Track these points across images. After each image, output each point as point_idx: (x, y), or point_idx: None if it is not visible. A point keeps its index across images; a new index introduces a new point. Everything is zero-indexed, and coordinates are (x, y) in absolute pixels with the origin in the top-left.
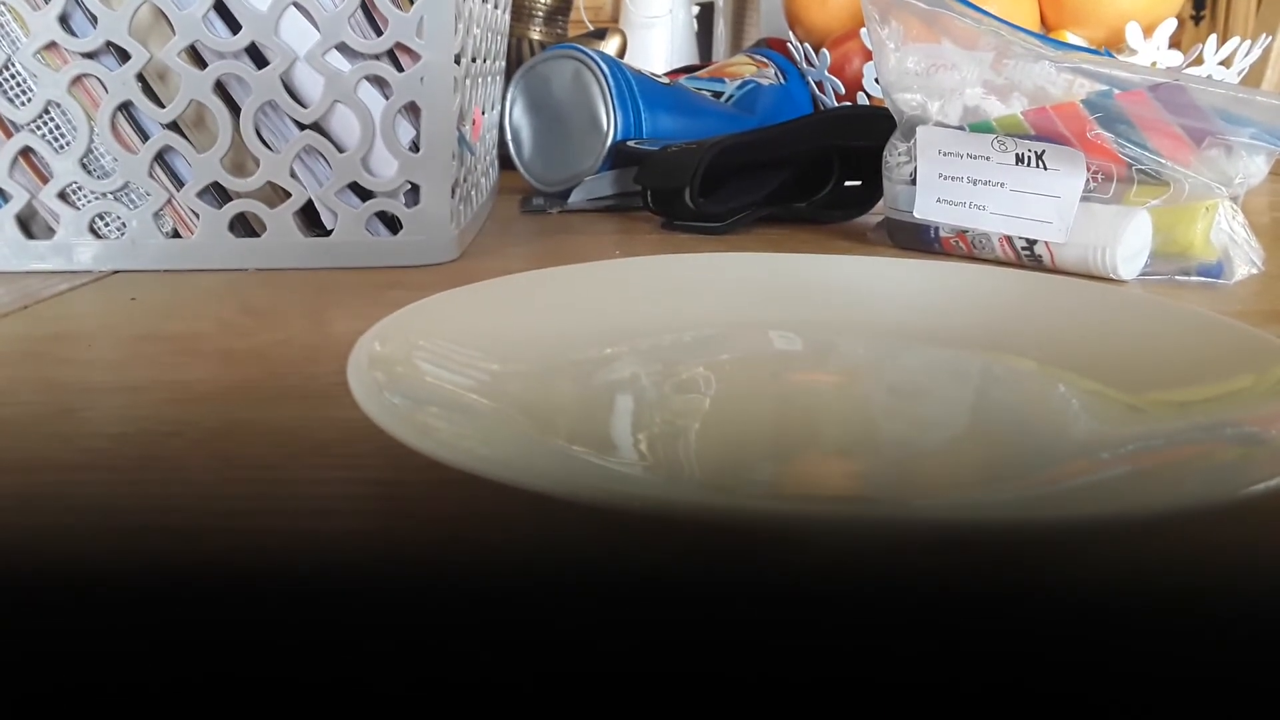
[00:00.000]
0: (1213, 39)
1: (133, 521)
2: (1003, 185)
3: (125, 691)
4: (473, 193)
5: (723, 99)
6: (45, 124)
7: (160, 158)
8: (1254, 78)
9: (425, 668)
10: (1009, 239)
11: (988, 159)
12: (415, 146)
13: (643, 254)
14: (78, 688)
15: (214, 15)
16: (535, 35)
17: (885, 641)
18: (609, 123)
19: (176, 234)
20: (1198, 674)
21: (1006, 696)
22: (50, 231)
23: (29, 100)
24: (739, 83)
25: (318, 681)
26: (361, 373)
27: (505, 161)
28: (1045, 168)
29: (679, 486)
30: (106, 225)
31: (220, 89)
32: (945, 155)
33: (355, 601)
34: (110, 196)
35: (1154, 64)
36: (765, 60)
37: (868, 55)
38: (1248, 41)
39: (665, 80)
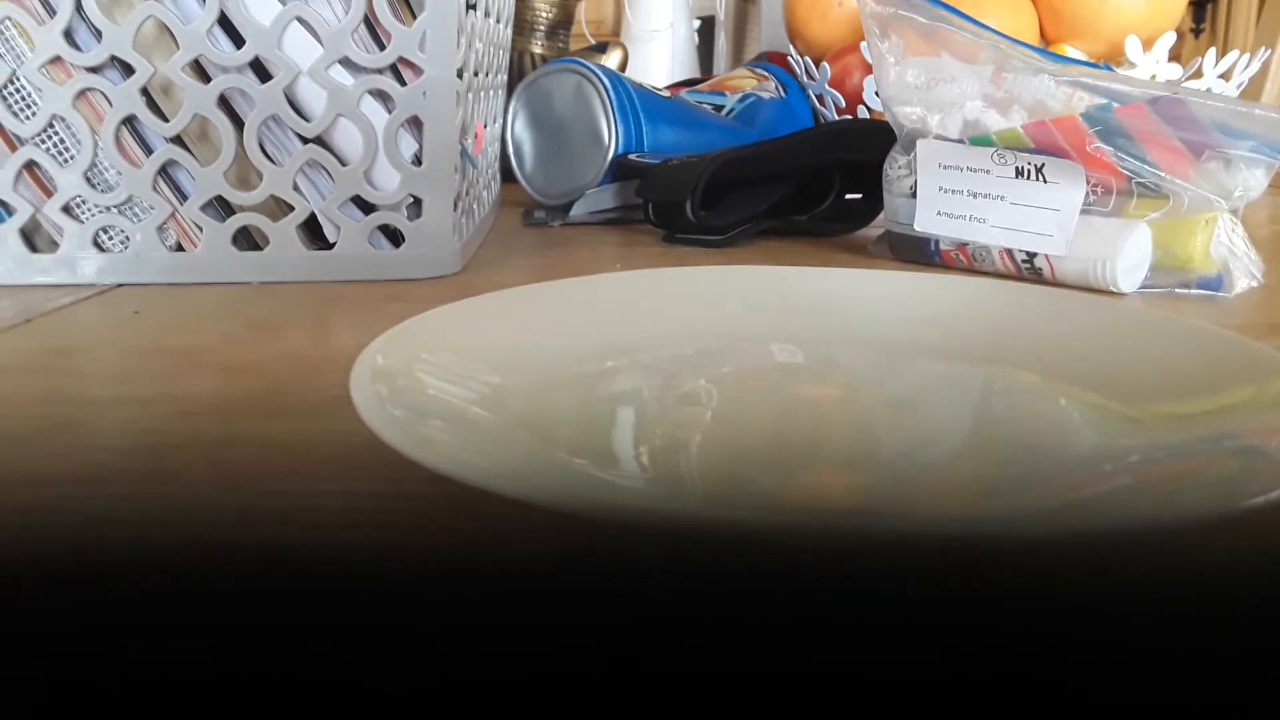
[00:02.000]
0: (1212, 52)
1: (136, 534)
2: (1003, 198)
3: (129, 700)
4: (475, 206)
5: (723, 112)
6: (49, 138)
7: (164, 171)
8: (1253, 91)
9: (428, 676)
10: (1009, 252)
11: (988, 172)
12: (418, 160)
13: (644, 267)
14: (82, 697)
15: (218, 30)
16: (537, 49)
17: (887, 653)
18: (610, 136)
19: (180, 247)
20: (1198, 686)
21: (1005, 705)
22: (54, 245)
23: (34, 114)
24: (740, 96)
25: (320, 688)
26: (364, 386)
27: (507, 175)
28: (1045, 181)
29: (681, 500)
30: (110, 239)
31: (224, 103)
32: (945, 168)
33: (357, 613)
34: (114, 210)
35: (1153, 77)
36: (766, 74)
37: (868, 69)
38: (1247, 55)
39: (666, 94)
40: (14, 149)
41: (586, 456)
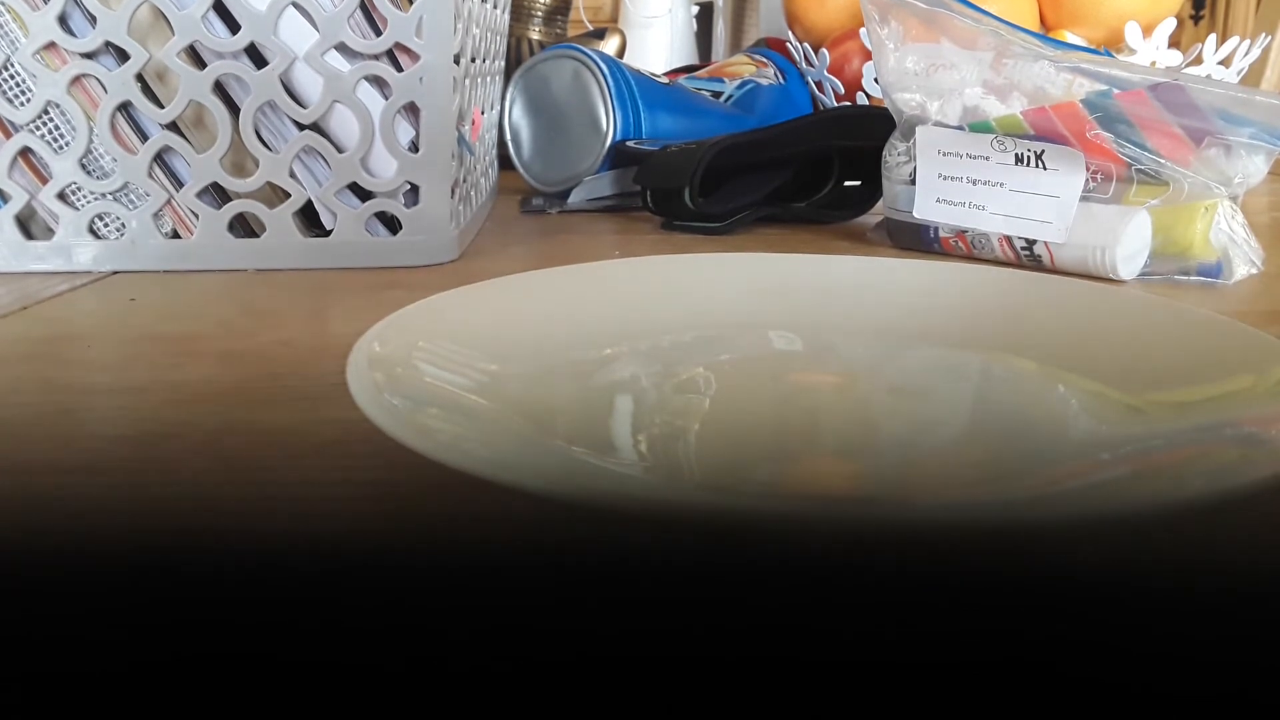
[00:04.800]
0: (1212, 38)
1: (132, 523)
2: (1002, 185)
3: (124, 691)
4: (472, 193)
5: (722, 99)
6: (44, 124)
7: (159, 158)
8: (1253, 77)
9: (426, 663)
10: (1008, 239)
11: (987, 159)
12: (414, 147)
13: (642, 254)
14: (76, 687)
15: (213, 15)
16: (534, 35)
17: (886, 638)
18: (608, 123)
19: (176, 234)
20: (1196, 673)
21: (1003, 690)
22: (49, 232)
23: (28, 100)
24: (738, 83)
25: (316, 680)
26: (361, 373)
27: (505, 162)
28: (1045, 168)
29: (678, 487)
30: (106, 226)
31: (219, 89)
32: (945, 155)
33: (354, 602)
34: (109, 197)
35: (1153, 64)
36: (765, 60)
37: (867, 55)
38: (1247, 41)
39: (664, 80)
40: (9, 135)
41: (584, 444)
